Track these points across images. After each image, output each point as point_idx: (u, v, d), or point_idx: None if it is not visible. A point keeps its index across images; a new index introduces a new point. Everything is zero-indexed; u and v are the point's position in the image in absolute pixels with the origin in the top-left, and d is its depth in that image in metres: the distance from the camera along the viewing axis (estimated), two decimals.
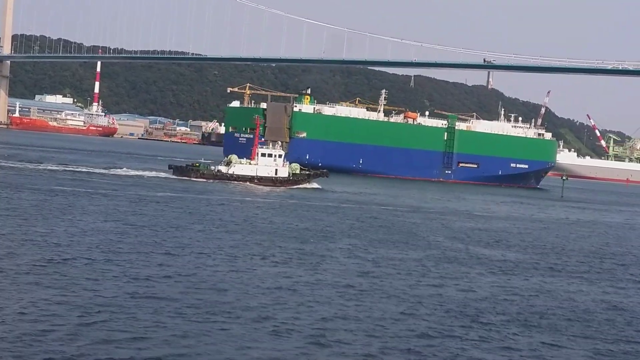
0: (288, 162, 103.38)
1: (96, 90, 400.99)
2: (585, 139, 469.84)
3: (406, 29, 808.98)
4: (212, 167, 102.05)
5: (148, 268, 37.84)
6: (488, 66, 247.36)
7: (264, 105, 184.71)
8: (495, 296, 38.68)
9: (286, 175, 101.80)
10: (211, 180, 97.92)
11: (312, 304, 33.11)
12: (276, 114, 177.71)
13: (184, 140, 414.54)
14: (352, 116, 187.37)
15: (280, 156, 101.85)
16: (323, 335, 28.37)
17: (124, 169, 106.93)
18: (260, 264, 42.33)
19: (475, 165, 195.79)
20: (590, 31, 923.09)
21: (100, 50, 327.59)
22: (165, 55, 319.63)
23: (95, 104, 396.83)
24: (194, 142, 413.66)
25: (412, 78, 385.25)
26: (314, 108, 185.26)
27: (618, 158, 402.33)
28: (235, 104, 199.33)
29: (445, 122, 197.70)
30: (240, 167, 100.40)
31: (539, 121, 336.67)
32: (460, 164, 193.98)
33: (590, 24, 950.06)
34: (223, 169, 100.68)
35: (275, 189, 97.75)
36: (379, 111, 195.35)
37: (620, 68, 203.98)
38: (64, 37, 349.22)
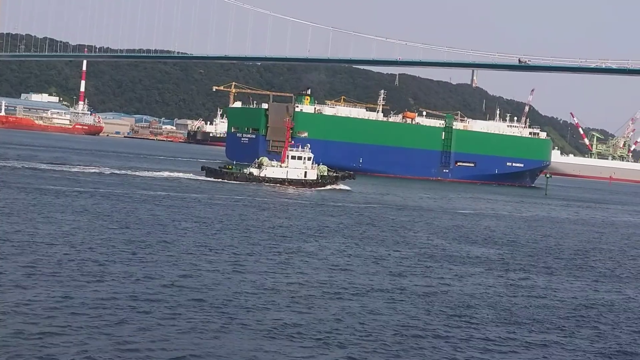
0: (316, 164, 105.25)
1: (82, 88, 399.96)
2: (569, 137, 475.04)
3: (391, 27, 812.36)
4: (245, 170, 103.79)
5: (190, 269, 39.01)
6: (470, 65, 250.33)
7: (265, 105, 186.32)
8: (476, 293, 39.54)
9: (315, 177, 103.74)
10: (244, 183, 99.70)
11: (307, 304, 33.63)
12: (278, 114, 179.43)
13: (169, 139, 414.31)
14: (352, 116, 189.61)
15: (309, 159, 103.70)
16: (313, 334, 28.80)
17: (148, 171, 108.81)
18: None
19: (472, 164, 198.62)
20: (574, 30, 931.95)
21: (86, 49, 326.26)
22: (151, 54, 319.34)
23: (81, 102, 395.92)
24: (180, 140, 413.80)
25: (397, 77, 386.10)
26: (315, 108, 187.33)
27: (601, 156, 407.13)
28: (237, 104, 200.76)
29: (442, 121, 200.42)
30: (271, 169, 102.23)
31: (523, 119, 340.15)
32: (458, 163, 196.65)
33: (573, 23, 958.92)
34: (255, 171, 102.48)
35: (307, 191, 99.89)
36: (378, 111, 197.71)
37: (604, 67, 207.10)
38: (49, 36, 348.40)
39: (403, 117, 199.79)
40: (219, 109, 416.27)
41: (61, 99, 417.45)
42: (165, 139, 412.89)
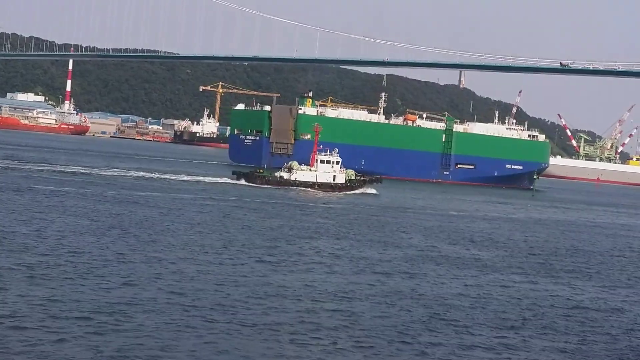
0: (344, 168, 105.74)
1: (68, 88, 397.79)
2: (557, 139, 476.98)
3: (378, 28, 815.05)
4: (276, 174, 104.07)
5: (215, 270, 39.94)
6: (458, 65, 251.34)
7: (267, 107, 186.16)
8: (459, 293, 40.16)
9: (343, 181, 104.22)
10: (276, 187, 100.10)
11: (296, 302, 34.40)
12: (281, 116, 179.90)
13: (156, 139, 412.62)
14: (354, 118, 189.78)
15: (337, 163, 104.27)
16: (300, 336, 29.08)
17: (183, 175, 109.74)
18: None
19: (472, 167, 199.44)
20: (561, 31, 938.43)
21: (72, 49, 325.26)
22: (138, 54, 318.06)
23: (67, 102, 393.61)
24: (166, 140, 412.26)
25: (384, 77, 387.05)
26: (317, 110, 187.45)
27: (589, 157, 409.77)
28: (241, 106, 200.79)
29: (443, 124, 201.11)
30: (301, 173, 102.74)
31: (511, 121, 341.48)
32: (458, 165, 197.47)
33: (561, 24, 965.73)
34: (285, 175, 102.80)
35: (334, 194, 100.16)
36: (379, 113, 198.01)
37: (591, 68, 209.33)
38: (35, 35, 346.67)
39: (404, 120, 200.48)
40: (205, 109, 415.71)
41: (47, 98, 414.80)
42: (151, 139, 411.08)
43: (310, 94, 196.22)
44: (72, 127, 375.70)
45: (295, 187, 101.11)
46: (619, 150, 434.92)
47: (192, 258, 43.33)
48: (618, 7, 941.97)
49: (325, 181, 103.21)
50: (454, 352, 28.98)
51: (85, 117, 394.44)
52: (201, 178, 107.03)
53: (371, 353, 27.90)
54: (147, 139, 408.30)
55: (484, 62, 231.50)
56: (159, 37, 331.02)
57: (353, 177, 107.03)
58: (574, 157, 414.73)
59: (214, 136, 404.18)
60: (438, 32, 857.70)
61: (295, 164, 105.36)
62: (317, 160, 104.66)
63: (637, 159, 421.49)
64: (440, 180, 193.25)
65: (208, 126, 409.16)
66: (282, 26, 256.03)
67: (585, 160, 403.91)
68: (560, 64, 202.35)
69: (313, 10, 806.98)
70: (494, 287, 43.14)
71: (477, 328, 32.98)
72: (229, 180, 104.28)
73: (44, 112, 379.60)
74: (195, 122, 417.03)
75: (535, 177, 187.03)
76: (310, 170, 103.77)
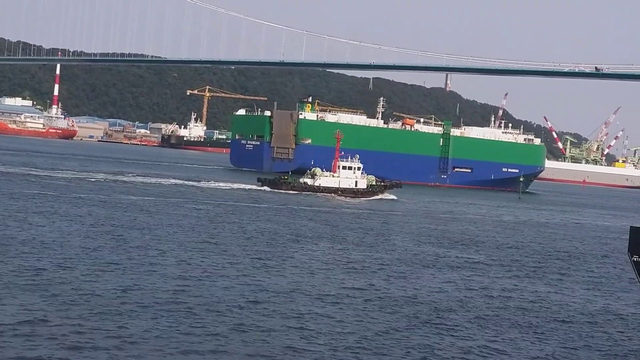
0: (365, 174, 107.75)
1: (55, 92, 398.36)
2: (543, 141, 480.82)
3: (364, 31, 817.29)
4: (300, 180, 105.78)
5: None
6: (444, 68, 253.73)
7: (268, 112, 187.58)
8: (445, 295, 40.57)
9: (365, 186, 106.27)
10: (300, 193, 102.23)
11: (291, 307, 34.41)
12: (282, 121, 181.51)
13: (144, 143, 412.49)
14: (353, 123, 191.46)
15: (358, 168, 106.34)
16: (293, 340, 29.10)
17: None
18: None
19: (469, 170, 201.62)
20: (547, 34, 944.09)
21: (59, 53, 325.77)
22: (125, 58, 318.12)
23: (54, 106, 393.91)
24: (154, 144, 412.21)
25: (371, 80, 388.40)
26: (317, 115, 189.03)
27: (575, 160, 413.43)
28: (242, 111, 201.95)
29: (440, 128, 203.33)
30: (324, 179, 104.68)
31: (497, 123, 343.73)
32: (455, 169, 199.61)
33: (547, 27, 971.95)
34: (309, 181, 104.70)
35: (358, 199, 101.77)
36: (378, 118, 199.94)
37: (577, 70, 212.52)
38: (23, 40, 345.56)
39: (402, 124, 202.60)
40: (193, 113, 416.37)
41: (35, 102, 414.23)
42: (139, 142, 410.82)
43: (310, 99, 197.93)
44: (60, 131, 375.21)
45: (319, 193, 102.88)
46: (605, 153, 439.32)
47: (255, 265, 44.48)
48: (604, 11, 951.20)
49: (348, 187, 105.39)
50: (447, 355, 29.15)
51: (72, 122, 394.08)
52: (231, 184, 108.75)
53: (363, 356, 27.79)
54: (135, 142, 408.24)
55: (470, 65, 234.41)
56: (146, 41, 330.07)
57: (374, 183, 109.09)
58: (560, 159, 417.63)
59: (202, 140, 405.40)
60: (424, 35, 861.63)
61: (318, 170, 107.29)
62: (339, 166, 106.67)
63: (623, 161, 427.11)
64: (438, 183, 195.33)
65: (195, 130, 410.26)
66: (268, 30, 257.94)
67: (572, 162, 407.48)
68: (595, 68, 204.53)
69: (300, 14, 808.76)
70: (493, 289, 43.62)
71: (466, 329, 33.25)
72: (264, 188, 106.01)
73: (31, 116, 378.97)
74: (183, 126, 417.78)
75: (521, 179, 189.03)
76: (333, 176, 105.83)
